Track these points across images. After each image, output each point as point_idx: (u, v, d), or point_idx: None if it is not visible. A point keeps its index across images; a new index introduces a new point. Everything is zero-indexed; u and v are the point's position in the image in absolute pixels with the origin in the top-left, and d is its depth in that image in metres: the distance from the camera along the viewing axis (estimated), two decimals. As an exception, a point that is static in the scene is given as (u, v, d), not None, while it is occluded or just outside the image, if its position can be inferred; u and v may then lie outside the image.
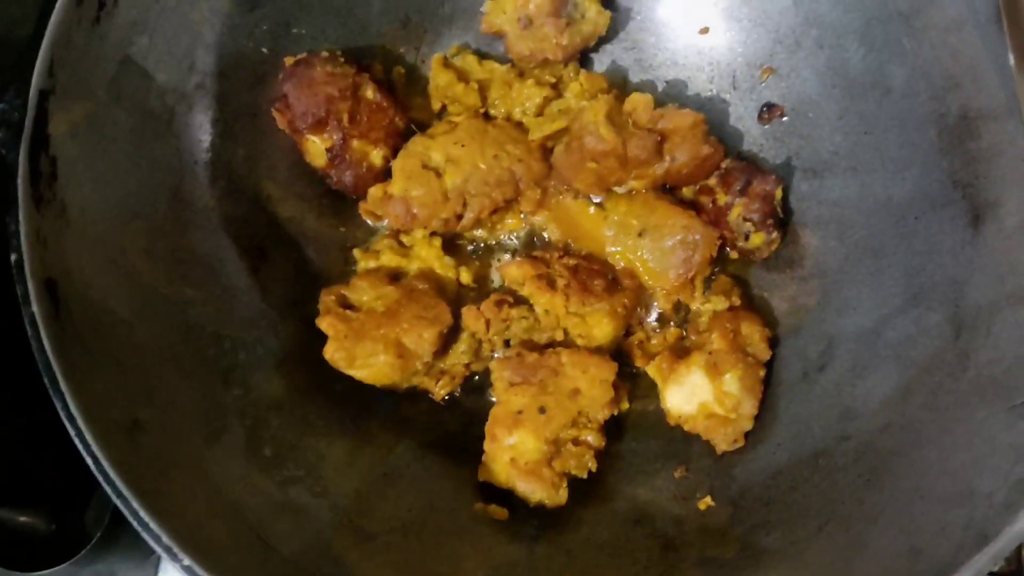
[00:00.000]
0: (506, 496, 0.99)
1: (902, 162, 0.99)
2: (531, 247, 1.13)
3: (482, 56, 1.15)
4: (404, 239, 1.10)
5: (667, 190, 1.12)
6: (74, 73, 0.89)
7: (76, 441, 0.79)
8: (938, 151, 0.96)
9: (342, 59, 1.07)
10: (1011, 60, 0.85)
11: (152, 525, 0.78)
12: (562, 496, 0.98)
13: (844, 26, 1.03)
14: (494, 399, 1.03)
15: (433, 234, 1.09)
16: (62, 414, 0.79)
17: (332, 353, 0.98)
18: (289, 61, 1.05)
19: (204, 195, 1.01)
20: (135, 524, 0.78)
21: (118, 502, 0.78)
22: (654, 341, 1.09)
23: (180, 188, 0.99)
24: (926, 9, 0.95)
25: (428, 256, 1.08)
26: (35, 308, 0.82)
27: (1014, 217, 0.88)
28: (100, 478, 0.78)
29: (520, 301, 1.07)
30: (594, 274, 1.07)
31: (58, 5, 0.87)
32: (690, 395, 1.01)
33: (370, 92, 1.06)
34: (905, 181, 0.99)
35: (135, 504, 0.78)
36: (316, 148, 1.06)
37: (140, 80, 0.96)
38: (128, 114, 0.95)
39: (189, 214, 1.00)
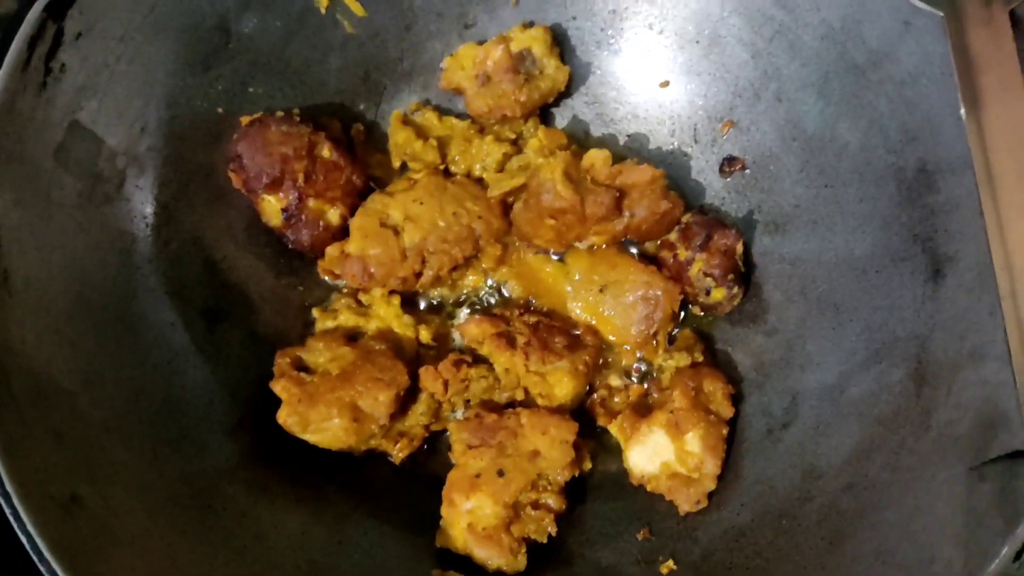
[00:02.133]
0: (464, 562, 0.97)
1: (862, 216, 0.98)
2: (492, 304, 1.12)
3: (442, 112, 1.15)
4: (363, 298, 1.08)
5: (629, 245, 1.10)
6: (19, 140, 0.88)
7: (11, 519, 0.77)
8: (897, 205, 0.95)
9: (298, 118, 1.06)
10: (962, 112, 0.84)
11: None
12: (521, 562, 0.95)
13: (802, 80, 1.03)
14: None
15: (392, 292, 1.07)
16: (-5, 491, 0.78)
17: (285, 417, 0.96)
18: (245, 120, 1.04)
19: (156, 258, 0.99)
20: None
21: (52, 582, 0.76)
22: (617, 399, 1.07)
23: (131, 252, 0.98)
24: (883, 63, 0.95)
25: (387, 315, 1.06)
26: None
27: (972, 272, 0.87)
28: (35, 557, 0.76)
29: (480, 360, 1.06)
30: (555, 331, 1.05)
31: (1, 72, 0.86)
32: (652, 454, 1.00)
33: (326, 151, 1.05)
34: (866, 235, 0.98)
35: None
36: (272, 208, 1.05)
37: (89, 144, 0.94)
38: (76, 179, 0.93)
39: (140, 278, 0.98)
